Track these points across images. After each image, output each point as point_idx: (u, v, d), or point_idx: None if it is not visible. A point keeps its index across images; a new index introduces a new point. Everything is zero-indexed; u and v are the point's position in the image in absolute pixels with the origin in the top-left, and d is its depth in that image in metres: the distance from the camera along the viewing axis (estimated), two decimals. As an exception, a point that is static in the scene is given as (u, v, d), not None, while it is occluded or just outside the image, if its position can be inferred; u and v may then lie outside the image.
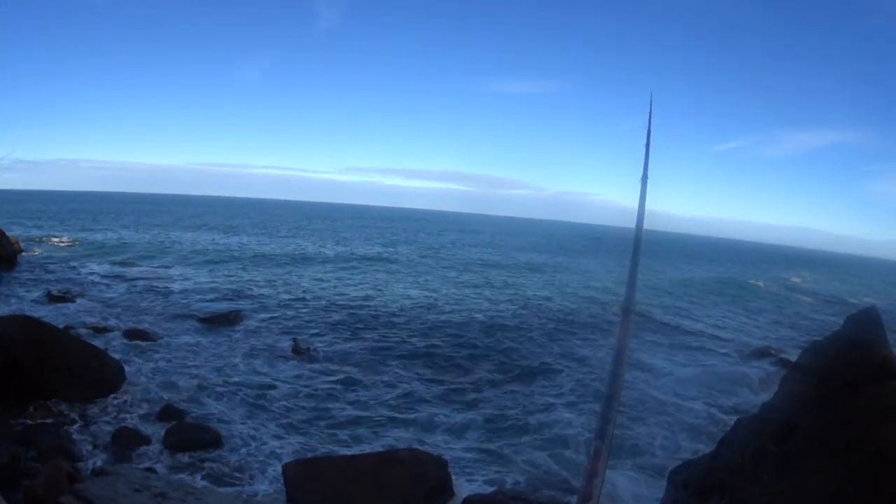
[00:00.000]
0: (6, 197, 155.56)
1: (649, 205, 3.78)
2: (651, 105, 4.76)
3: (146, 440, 16.24)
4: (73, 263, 44.35)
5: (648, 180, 3.89)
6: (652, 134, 4.64)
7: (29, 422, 15.98)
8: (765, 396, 14.92)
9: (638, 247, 3.25)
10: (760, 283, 77.86)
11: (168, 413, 18.02)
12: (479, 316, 36.77)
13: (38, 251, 50.26)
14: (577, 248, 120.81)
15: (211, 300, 35.07)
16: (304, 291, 40.05)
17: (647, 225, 3.69)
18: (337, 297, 38.77)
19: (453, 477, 15.04)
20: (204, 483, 14.34)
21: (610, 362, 2.45)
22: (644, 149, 4.11)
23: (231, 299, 35.69)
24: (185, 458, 15.64)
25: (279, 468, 14.64)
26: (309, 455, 15.97)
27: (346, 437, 17.97)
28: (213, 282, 41.14)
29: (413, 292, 43.15)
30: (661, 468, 15.53)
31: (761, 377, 27.16)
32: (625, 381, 2.38)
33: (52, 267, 42.02)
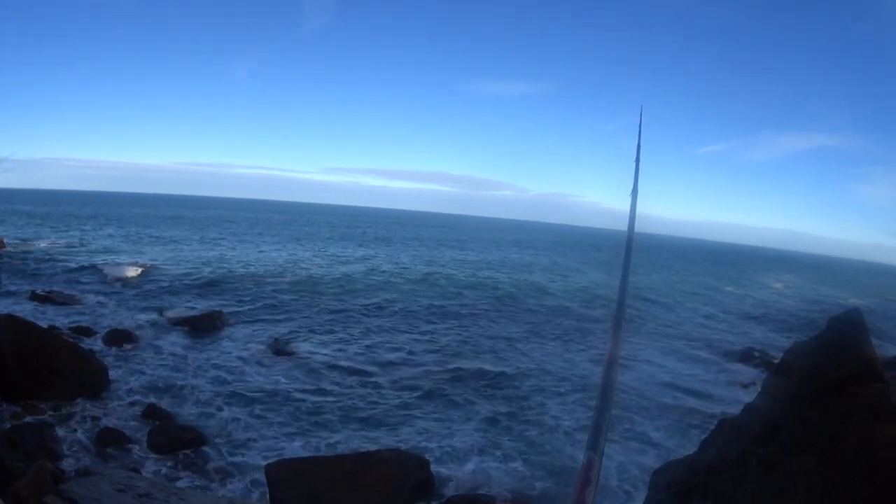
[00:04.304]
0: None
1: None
2: (641, 118, 4.72)
3: (130, 441, 16.17)
4: (57, 263, 44.02)
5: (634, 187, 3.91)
6: (639, 141, 4.64)
7: (14, 422, 15.89)
8: (748, 398, 15.02)
9: (628, 258, 3.26)
10: (744, 286, 78.28)
11: (152, 414, 17.97)
12: (467, 317, 36.84)
13: (22, 250, 49.93)
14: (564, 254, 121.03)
15: (194, 301, 34.94)
16: (288, 292, 39.91)
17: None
18: (320, 298, 38.67)
19: (436, 477, 15.09)
20: (187, 483, 14.31)
21: (601, 372, 2.46)
22: (633, 163, 4.11)
23: (214, 300, 35.56)
24: (168, 458, 15.59)
25: (262, 469, 14.60)
26: (292, 456, 15.96)
27: (328, 438, 17.94)
28: (197, 282, 40.92)
29: (397, 295, 43.02)
30: (645, 469, 15.61)
31: (744, 378, 27.33)
32: (616, 390, 2.39)
33: (36, 266, 41.76)
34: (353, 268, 56.63)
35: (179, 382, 21.07)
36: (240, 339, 27.57)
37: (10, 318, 19.14)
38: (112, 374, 20.44)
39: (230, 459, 15.98)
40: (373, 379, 23.49)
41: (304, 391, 21.54)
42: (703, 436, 12.26)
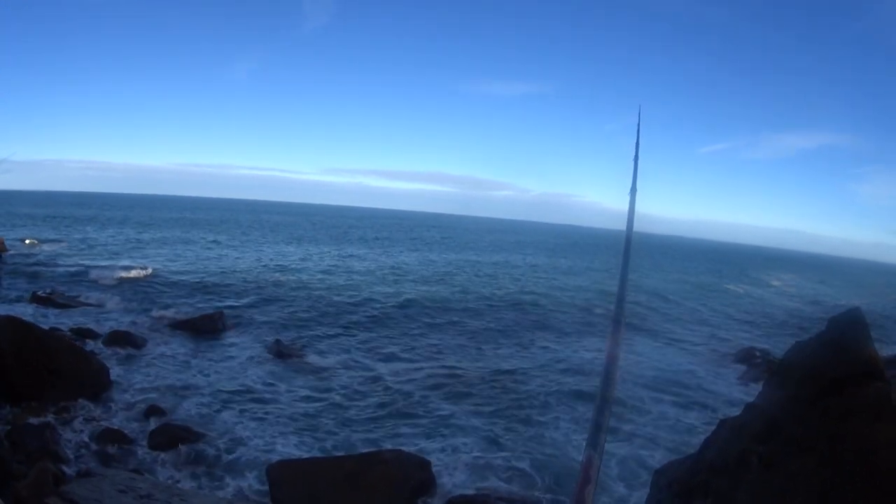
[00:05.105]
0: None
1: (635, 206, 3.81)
2: (639, 118, 4.72)
3: (131, 441, 16.18)
4: (58, 265, 44.06)
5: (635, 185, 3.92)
6: (638, 140, 4.64)
7: (15, 423, 15.89)
8: (748, 397, 15.01)
9: (627, 257, 3.27)
10: (744, 285, 78.27)
11: (153, 414, 17.98)
12: (468, 317, 36.84)
13: (23, 252, 50.01)
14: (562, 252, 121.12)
15: (195, 302, 34.97)
16: (290, 293, 39.92)
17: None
18: (321, 299, 38.67)
19: (437, 477, 15.10)
20: (188, 484, 14.33)
21: (601, 370, 2.47)
22: (633, 162, 4.11)
23: (216, 301, 35.60)
24: (169, 459, 15.60)
25: (263, 470, 14.62)
26: (293, 456, 15.97)
27: (329, 439, 17.94)
28: (198, 283, 40.97)
29: (399, 295, 43.00)
30: (646, 468, 15.61)
31: (745, 378, 27.33)
32: (616, 388, 2.39)
33: (37, 268, 41.79)
34: (355, 268, 56.70)
35: (181, 383, 21.10)
36: (241, 340, 27.59)
37: (10, 319, 19.13)
38: (113, 374, 20.46)
39: (231, 460, 15.97)
40: (374, 380, 23.49)
41: (305, 392, 21.55)
42: (704, 435, 12.26)
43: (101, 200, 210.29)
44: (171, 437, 16.41)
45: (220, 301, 35.52)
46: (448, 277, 55.60)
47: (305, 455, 16.35)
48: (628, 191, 3.78)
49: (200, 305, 33.77)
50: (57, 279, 38.49)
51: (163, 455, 15.72)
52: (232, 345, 26.69)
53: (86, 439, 16.08)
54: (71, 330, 25.56)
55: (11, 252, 47.77)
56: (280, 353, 25.57)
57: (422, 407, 20.98)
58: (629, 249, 3.38)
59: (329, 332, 30.25)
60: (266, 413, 19.31)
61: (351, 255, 68.89)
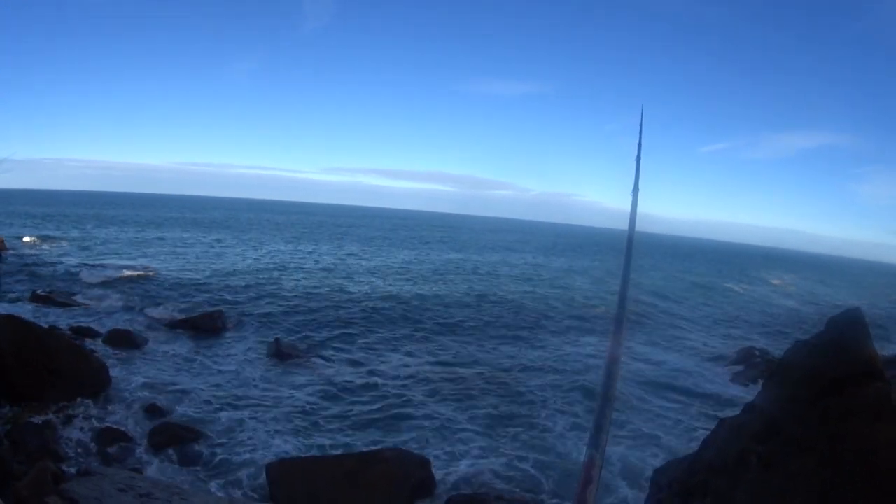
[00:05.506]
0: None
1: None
2: (642, 118, 4.71)
3: (131, 440, 16.19)
4: (58, 264, 44.00)
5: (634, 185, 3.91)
6: (640, 140, 4.62)
7: (15, 423, 15.88)
8: (748, 397, 15.01)
9: (629, 257, 3.26)
10: (744, 284, 78.21)
11: (152, 413, 18.00)
12: (467, 316, 36.79)
13: (23, 251, 49.97)
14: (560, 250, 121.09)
15: (195, 300, 34.92)
16: (289, 293, 39.87)
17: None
18: (320, 299, 38.63)
19: (437, 476, 15.10)
20: (188, 483, 14.31)
21: (603, 371, 2.47)
22: (634, 162, 4.11)
23: (215, 300, 35.56)
24: (169, 457, 15.60)
25: (263, 468, 14.63)
26: (292, 455, 15.97)
27: (329, 438, 17.93)
28: (198, 282, 40.95)
29: (398, 295, 42.96)
30: (647, 468, 15.60)
31: (744, 378, 27.32)
32: (617, 389, 2.39)
33: (37, 267, 41.73)
34: (354, 268, 56.65)
35: (180, 382, 21.09)
36: (241, 339, 27.57)
37: (10, 319, 19.11)
38: (113, 373, 20.42)
39: (231, 459, 15.97)
40: (373, 379, 23.46)
41: (304, 392, 21.53)
42: (704, 435, 12.25)
43: (101, 199, 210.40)
44: (170, 435, 16.41)
45: (219, 300, 35.48)
46: (448, 277, 55.56)
47: (305, 454, 16.36)
48: (629, 191, 3.77)
49: (200, 304, 33.74)
50: (57, 278, 38.49)
51: (162, 454, 15.73)
52: (232, 344, 26.69)
53: (86, 438, 16.08)
54: (71, 329, 25.54)
55: (11, 251, 47.76)
56: (279, 351, 25.53)
57: (421, 406, 20.96)
58: (631, 249, 3.38)
59: (329, 331, 30.21)
60: (265, 412, 19.29)
61: (351, 255, 68.83)
